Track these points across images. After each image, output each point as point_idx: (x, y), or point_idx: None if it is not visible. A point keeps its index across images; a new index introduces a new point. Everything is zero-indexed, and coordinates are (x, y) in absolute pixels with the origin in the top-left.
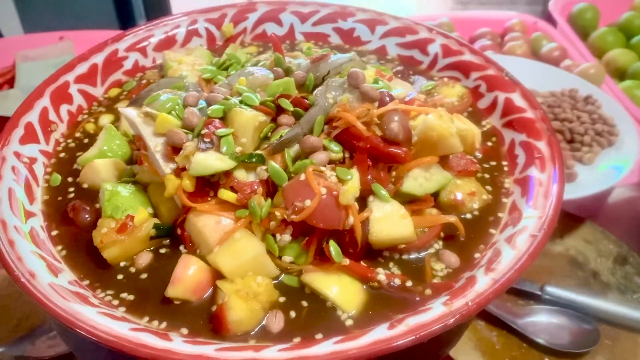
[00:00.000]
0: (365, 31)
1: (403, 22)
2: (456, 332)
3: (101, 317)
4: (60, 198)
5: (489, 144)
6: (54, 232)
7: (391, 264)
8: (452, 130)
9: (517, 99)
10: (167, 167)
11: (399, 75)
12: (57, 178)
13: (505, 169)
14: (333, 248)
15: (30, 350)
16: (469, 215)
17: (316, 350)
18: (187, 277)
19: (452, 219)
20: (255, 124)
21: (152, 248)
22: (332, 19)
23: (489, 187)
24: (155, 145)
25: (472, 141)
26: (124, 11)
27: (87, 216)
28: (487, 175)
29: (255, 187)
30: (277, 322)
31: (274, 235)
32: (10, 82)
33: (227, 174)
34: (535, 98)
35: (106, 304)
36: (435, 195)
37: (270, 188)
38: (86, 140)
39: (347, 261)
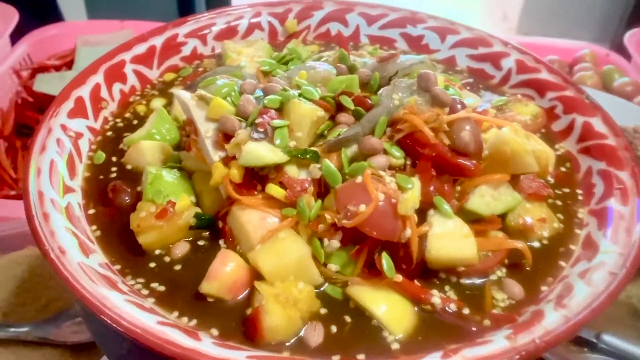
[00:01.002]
0: (434, 39)
1: (476, 34)
2: None
3: (128, 306)
4: (101, 177)
5: (563, 169)
6: (91, 211)
7: (447, 287)
8: (528, 148)
9: (598, 124)
10: (215, 155)
11: (468, 88)
12: (101, 156)
13: (580, 197)
14: (386, 261)
15: (54, 334)
16: (536, 244)
17: None
18: (224, 274)
19: (519, 244)
20: (313, 119)
21: (190, 239)
22: (401, 24)
23: (560, 216)
24: (207, 130)
25: (545, 164)
26: (185, 5)
27: (126, 198)
28: (559, 202)
29: (306, 185)
30: (316, 335)
31: (321, 240)
32: (69, 65)
33: (278, 168)
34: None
35: (135, 292)
36: (502, 217)
37: (322, 189)
38: (135, 122)
39: (399, 278)
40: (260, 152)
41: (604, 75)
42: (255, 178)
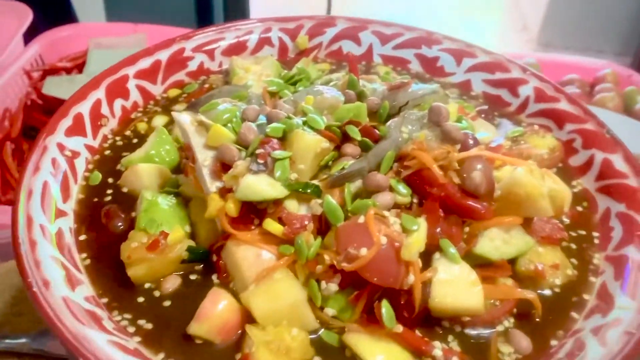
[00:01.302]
0: (450, 62)
1: (494, 58)
2: None
3: (111, 348)
4: (96, 199)
5: (579, 208)
6: (82, 237)
7: (450, 338)
8: (544, 191)
9: (618, 162)
10: (212, 185)
11: (482, 115)
12: (97, 176)
13: (596, 241)
14: (386, 310)
15: (50, 346)
16: (547, 292)
17: None
18: (214, 315)
19: (530, 295)
20: (316, 150)
21: (182, 272)
22: (416, 44)
23: (574, 261)
24: (205, 159)
25: (561, 204)
26: (203, 12)
27: (120, 224)
28: (573, 246)
29: (306, 222)
30: None
31: (318, 282)
32: (80, 67)
33: (277, 202)
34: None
35: (121, 329)
36: (512, 262)
37: (323, 226)
38: (135, 140)
39: (399, 328)
40: (258, 187)
41: (625, 97)
42: (253, 212)
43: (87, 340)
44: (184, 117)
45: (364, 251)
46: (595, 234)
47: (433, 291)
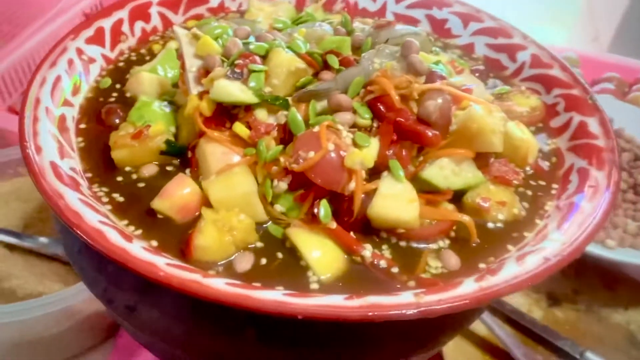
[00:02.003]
0: (458, 24)
1: (499, 24)
2: (420, 333)
3: (83, 206)
4: (102, 99)
5: (547, 163)
6: (82, 125)
7: (385, 247)
8: (496, 128)
9: (593, 125)
10: (195, 89)
11: (477, 75)
12: (107, 81)
13: (553, 192)
14: (323, 208)
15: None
16: (491, 225)
17: (260, 295)
18: (176, 195)
19: (465, 218)
20: (290, 68)
21: (160, 163)
22: (428, 4)
23: (525, 204)
24: (191, 65)
25: (524, 153)
26: None
27: (117, 120)
28: (529, 192)
29: (270, 129)
30: (244, 262)
31: (273, 182)
32: None
33: (248, 109)
34: (613, 128)
35: (95, 197)
36: (462, 195)
37: (287, 136)
38: (148, 58)
39: (333, 225)
40: (230, 89)
41: None
42: (226, 115)
43: (62, 196)
44: (181, 30)
45: (311, 154)
46: (555, 185)
47: (373, 202)
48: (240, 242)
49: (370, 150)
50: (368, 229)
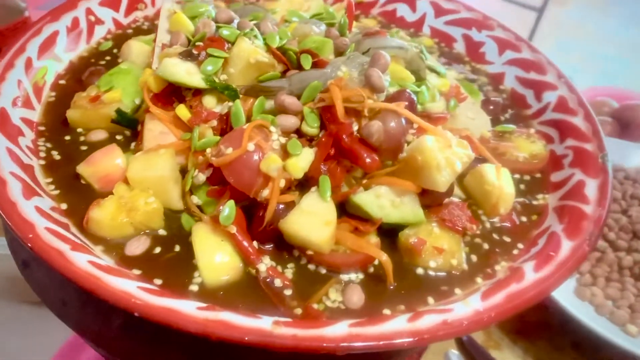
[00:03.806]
0: (493, 50)
1: (536, 57)
2: None
3: (3, 150)
4: (93, 60)
5: (524, 219)
6: (61, 81)
7: (291, 265)
8: (443, 165)
9: (591, 188)
10: (156, 63)
11: (491, 107)
12: (107, 45)
13: (515, 252)
14: (228, 209)
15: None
16: (420, 271)
17: (112, 281)
18: (101, 164)
19: (382, 257)
20: (249, 60)
21: (111, 130)
22: (468, 24)
23: (474, 257)
24: (161, 40)
25: (495, 202)
26: None
27: (96, 82)
28: (486, 246)
29: (212, 117)
30: (135, 247)
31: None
32: None
33: (197, 94)
34: (611, 200)
35: (32, 150)
36: (399, 229)
37: (228, 128)
38: None
39: (233, 229)
40: (175, 70)
41: None
42: (177, 96)
43: None
44: (168, 4)
45: (229, 150)
46: (521, 245)
47: (288, 215)
48: (140, 224)
49: (300, 160)
50: (282, 243)
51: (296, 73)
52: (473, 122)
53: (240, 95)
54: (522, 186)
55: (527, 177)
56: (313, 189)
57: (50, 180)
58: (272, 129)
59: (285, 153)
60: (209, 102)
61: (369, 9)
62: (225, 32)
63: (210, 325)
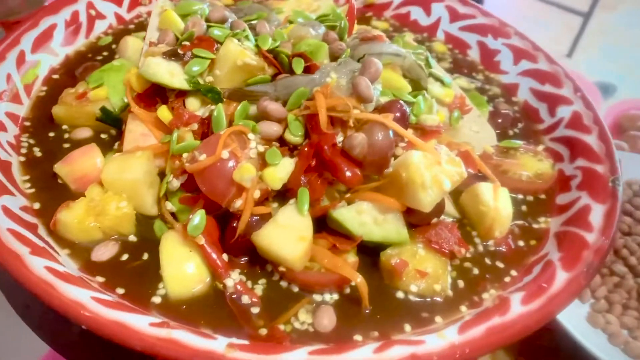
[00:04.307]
0: (508, 59)
1: (553, 69)
2: None
3: None
4: (90, 55)
5: (522, 243)
6: (55, 76)
7: (262, 281)
8: (429, 184)
9: (597, 214)
10: (142, 61)
11: (500, 120)
12: (107, 40)
13: (507, 280)
14: (199, 217)
15: None
16: (400, 295)
17: (69, 291)
18: (77, 164)
19: (357, 279)
20: (236, 62)
21: (96, 129)
22: (484, 30)
23: (461, 283)
24: (149, 37)
25: (489, 224)
26: None
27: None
28: (475, 271)
29: (193, 120)
30: (102, 253)
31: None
32: None
33: (180, 95)
34: (617, 229)
35: (13, 146)
36: (381, 248)
37: (210, 133)
38: None
39: (201, 240)
40: (156, 69)
41: None
42: (160, 97)
43: None
44: (162, 1)
45: (203, 157)
46: (514, 273)
47: (263, 228)
48: (109, 229)
49: (278, 171)
50: (257, 256)
51: (283, 78)
52: (477, 135)
53: (224, 99)
54: (523, 207)
55: (530, 198)
56: (291, 201)
57: (27, 177)
58: (251, 136)
59: (263, 162)
60: (192, 104)
61: (382, 11)
62: (216, 31)
63: (158, 344)
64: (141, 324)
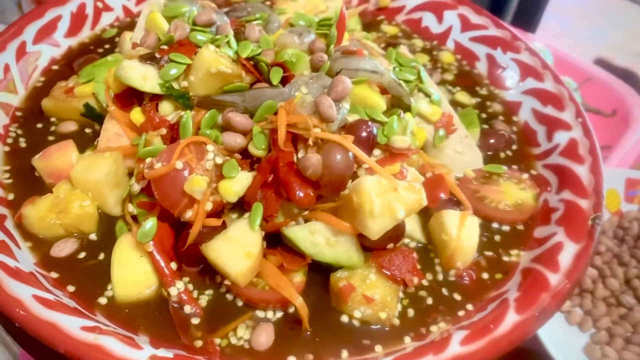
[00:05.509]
0: (515, 75)
1: (559, 90)
2: None
3: None
4: (92, 47)
5: (485, 276)
6: (54, 67)
7: (209, 292)
8: (380, 211)
9: (567, 254)
10: None
11: (492, 141)
12: (111, 32)
13: (461, 314)
14: (150, 225)
15: None
16: (344, 319)
17: (12, 287)
18: (52, 159)
19: (297, 301)
20: (210, 69)
21: (82, 123)
22: (494, 43)
23: (411, 312)
24: (135, 38)
25: (450, 254)
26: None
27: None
28: (429, 301)
29: (162, 125)
30: (60, 249)
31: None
32: None
33: (154, 99)
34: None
35: (0, 135)
36: (334, 269)
37: (178, 138)
38: None
39: (149, 247)
40: (130, 73)
41: None
42: (137, 98)
43: None
44: (155, 1)
45: (157, 165)
46: (470, 307)
47: (213, 240)
48: (70, 227)
49: (234, 184)
50: (209, 267)
51: (253, 89)
52: (460, 157)
53: (194, 106)
54: (497, 237)
55: (506, 228)
56: (247, 214)
57: (7, 168)
58: (210, 147)
59: (221, 174)
60: (165, 108)
61: (394, 15)
62: (199, 36)
63: (81, 349)
64: (72, 327)
